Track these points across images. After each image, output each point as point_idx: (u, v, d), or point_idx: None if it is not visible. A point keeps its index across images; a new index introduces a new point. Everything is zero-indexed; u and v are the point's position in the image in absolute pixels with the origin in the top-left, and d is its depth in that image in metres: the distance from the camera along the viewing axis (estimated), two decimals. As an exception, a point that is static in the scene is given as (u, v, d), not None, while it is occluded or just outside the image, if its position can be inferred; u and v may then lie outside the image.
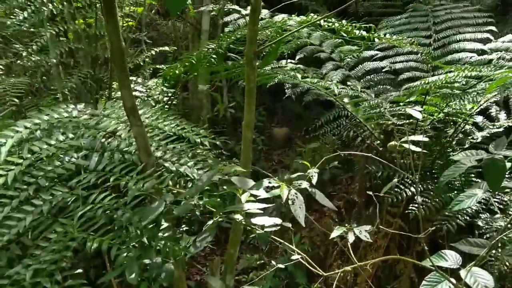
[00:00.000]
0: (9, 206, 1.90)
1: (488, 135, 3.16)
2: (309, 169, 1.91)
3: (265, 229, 1.66)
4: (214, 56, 2.76)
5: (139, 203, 1.95)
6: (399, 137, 3.04)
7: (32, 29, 3.43)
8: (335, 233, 1.77)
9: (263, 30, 2.79)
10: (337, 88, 3.16)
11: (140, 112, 2.13)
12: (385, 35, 2.81)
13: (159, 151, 2.30)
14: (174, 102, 4.20)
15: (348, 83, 3.52)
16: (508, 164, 1.77)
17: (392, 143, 2.48)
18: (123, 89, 2.03)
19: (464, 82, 2.96)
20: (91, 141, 2.21)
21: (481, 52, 3.41)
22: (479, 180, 2.80)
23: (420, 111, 1.99)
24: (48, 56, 3.29)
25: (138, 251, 1.74)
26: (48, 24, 3.15)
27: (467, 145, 3.18)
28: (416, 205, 2.81)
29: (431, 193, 2.96)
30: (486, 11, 3.91)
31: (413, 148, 1.84)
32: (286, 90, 3.89)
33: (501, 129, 3.13)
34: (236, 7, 3.43)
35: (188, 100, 4.85)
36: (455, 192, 2.92)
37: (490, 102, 3.23)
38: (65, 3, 3.22)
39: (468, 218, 2.81)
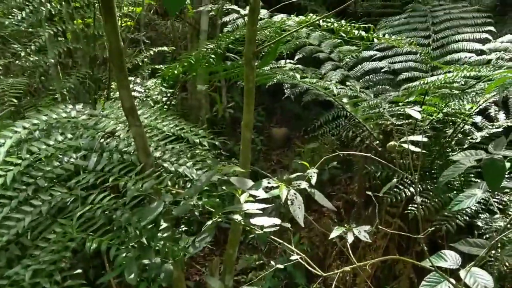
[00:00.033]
0: (8, 207, 1.90)
1: (487, 135, 3.16)
2: (308, 169, 1.91)
3: (264, 230, 1.66)
4: (213, 56, 2.76)
5: (138, 203, 1.95)
6: (398, 137, 3.05)
7: (30, 29, 3.42)
8: (334, 233, 1.77)
9: (262, 30, 2.79)
10: (336, 88, 3.16)
11: (139, 112, 2.12)
12: (384, 35, 2.81)
13: (158, 151, 2.30)
14: (173, 102, 4.19)
15: (347, 83, 3.52)
16: (507, 164, 1.77)
17: (391, 143, 2.47)
18: (122, 89, 2.02)
19: (463, 82, 2.96)
20: (90, 141, 2.20)
21: (480, 52, 3.41)
22: (479, 180, 2.81)
23: (419, 111, 2.00)
24: (47, 56, 3.28)
25: (137, 252, 1.74)
26: (46, 24, 3.15)
27: (466, 145, 3.18)
28: (416, 205, 2.81)
29: (431, 193, 2.96)
30: (485, 11, 3.91)
31: (412, 148, 1.84)
32: (285, 90, 3.89)
33: (500, 129, 3.13)
34: (235, 7, 3.42)
35: (187, 100, 4.85)
36: (455, 192, 2.92)
37: (489, 102, 3.23)
38: (63, 3, 3.21)
39: (467, 218, 2.82)
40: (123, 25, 3.67)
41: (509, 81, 2.50)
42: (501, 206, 2.84)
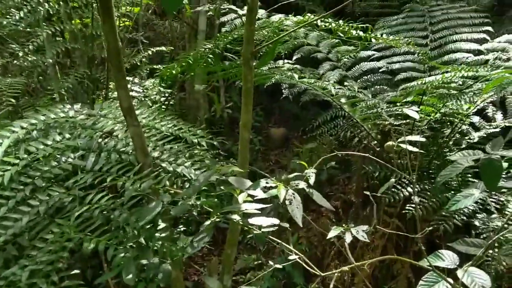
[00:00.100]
0: (6, 207, 1.90)
1: (485, 135, 3.17)
2: (306, 169, 1.91)
3: (263, 230, 1.66)
4: (211, 56, 2.76)
5: (136, 203, 1.95)
6: (396, 137, 3.04)
7: (28, 29, 3.42)
8: (333, 233, 1.77)
9: (260, 30, 2.79)
10: (334, 88, 3.16)
11: (137, 112, 2.13)
12: (382, 35, 2.82)
13: (156, 151, 2.30)
14: (171, 102, 4.19)
15: (345, 83, 3.52)
16: (504, 164, 1.77)
17: (389, 143, 2.47)
18: (120, 89, 2.02)
19: (460, 82, 2.97)
20: (88, 141, 2.20)
21: (478, 52, 3.41)
22: (476, 180, 2.80)
23: (417, 111, 2.00)
24: (45, 56, 3.28)
25: (135, 252, 1.74)
26: (44, 24, 3.14)
27: (464, 145, 3.19)
28: (413, 205, 2.82)
29: (428, 193, 2.97)
30: (482, 11, 3.91)
31: (410, 148, 1.84)
32: (283, 90, 3.89)
33: (497, 129, 3.14)
34: (233, 7, 3.42)
35: (185, 100, 4.84)
36: (452, 192, 2.93)
37: (486, 102, 3.23)
38: (61, 3, 3.21)
39: (465, 218, 2.82)
40: (121, 25, 3.67)
41: (507, 81, 2.51)
42: (498, 206, 2.84)
